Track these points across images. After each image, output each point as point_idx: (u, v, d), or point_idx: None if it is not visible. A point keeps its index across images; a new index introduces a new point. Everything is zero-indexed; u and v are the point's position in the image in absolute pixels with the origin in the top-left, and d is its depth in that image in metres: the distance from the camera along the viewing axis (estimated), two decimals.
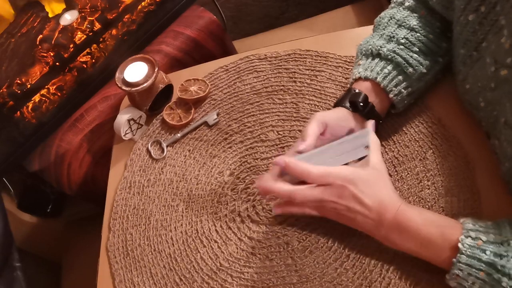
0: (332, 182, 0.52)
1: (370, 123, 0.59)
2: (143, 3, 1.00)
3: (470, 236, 0.47)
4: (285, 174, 0.57)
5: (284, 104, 0.76)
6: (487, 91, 0.54)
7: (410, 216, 0.51)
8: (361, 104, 0.61)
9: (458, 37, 0.58)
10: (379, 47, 0.63)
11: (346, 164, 0.56)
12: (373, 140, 0.56)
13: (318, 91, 0.75)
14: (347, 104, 0.62)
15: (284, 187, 0.55)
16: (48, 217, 1.21)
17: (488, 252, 0.46)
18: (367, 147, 0.55)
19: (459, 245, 0.47)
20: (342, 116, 0.61)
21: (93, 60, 0.97)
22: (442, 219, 0.51)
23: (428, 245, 0.50)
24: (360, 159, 0.56)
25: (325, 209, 0.54)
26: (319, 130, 0.59)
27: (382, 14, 0.67)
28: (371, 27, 0.70)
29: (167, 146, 0.78)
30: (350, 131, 0.61)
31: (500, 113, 0.52)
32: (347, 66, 0.76)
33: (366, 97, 0.61)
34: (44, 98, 0.94)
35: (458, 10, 0.56)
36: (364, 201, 0.51)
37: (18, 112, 0.93)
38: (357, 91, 0.62)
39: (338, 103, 0.63)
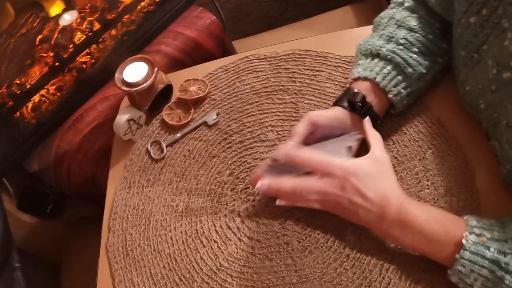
0: (333, 172, 0.52)
1: (366, 120, 0.59)
2: (142, 4, 1.00)
3: (474, 233, 0.47)
4: (276, 168, 0.58)
5: (284, 104, 0.76)
6: (487, 94, 0.54)
7: (413, 212, 0.50)
8: (359, 103, 0.61)
9: (459, 39, 0.58)
10: (378, 47, 0.63)
11: None
12: (372, 133, 0.56)
13: (318, 91, 0.75)
14: (345, 104, 0.62)
15: (286, 181, 0.54)
16: (48, 218, 1.21)
17: (492, 249, 0.46)
18: (349, 147, 0.56)
19: (463, 241, 0.47)
20: (336, 116, 0.61)
21: (93, 60, 0.97)
22: (446, 215, 0.51)
23: (430, 241, 0.50)
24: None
25: (328, 202, 0.54)
26: (308, 130, 0.59)
27: (382, 14, 0.67)
28: (371, 27, 0.70)
29: (166, 146, 0.78)
30: (342, 134, 0.62)
31: (501, 116, 0.52)
32: (346, 66, 0.76)
33: (364, 97, 0.61)
34: (43, 99, 0.94)
35: (458, 12, 0.56)
36: (367, 194, 0.51)
37: (18, 112, 0.93)
38: (355, 90, 0.62)
39: (336, 103, 0.63)
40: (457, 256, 0.47)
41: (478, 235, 0.47)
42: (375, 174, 0.52)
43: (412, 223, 0.50)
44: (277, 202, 0.57)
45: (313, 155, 0.53)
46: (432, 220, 0.50)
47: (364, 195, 0.51)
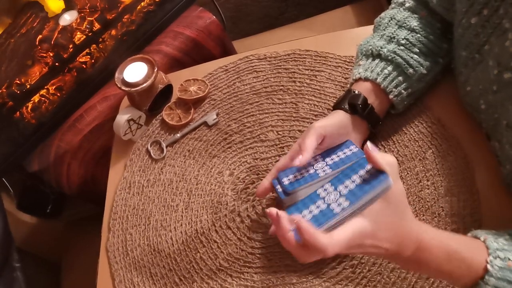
0: (349, 247, 0.45)
1: (370, 146, 0.47)
2: (142, 3, 1.00)
3: (499, 257, 0.45)
4: (281, 201, 0.56)
5: (284, 104, 0.76)
6: (488, 94, 0.54)
7: (431, 252, 0.46)
8: (360, 106, 0.60)
9: (460, 39, 0.58)
10: (379, 48, 0.63)
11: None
12: (387, 161, 0.46)
13: (318, 91, 0.75)
14: (346, 106, 0.62)
15: (302, 250, 0.45)
16: (48, 218, 1.21)
17: None
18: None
19: (489, 267, 0.45)
20: (340, 122, 0.60)
21: (93, 61, 0.97)
22: (465, 245, 0.47)
23: (450, 275, 0.47)
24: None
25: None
26: (317, 143, 0.57)
27: (383, 14, 0.67)
28: (371, 27, 0.70)
29: (166, 146, 0.78)
30: (346, 139, 0.61)
31: (501, 116, 0.52)
32: (346, 66, 0.76)
33: (365, 99, 0.61)
34: (43, 99, 0.94)
35: (460, 12, 0.56)
36: (382, 246, 0.46)
37: (18, 112, 0.93)
38: (356, 92, 0.62)
39: (337, 105, 0.63)
40: (480, 282, 0.45)
41: (503, 259, 0.45)
42: (388, 220, 0.46)
43: (430, 264, 0.47)
44: (270, 232, 0.54)
45: (328, 243, 0.43)
46: (452, 257, 0.46)
47: (380, 247, 0.46)
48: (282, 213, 0.45)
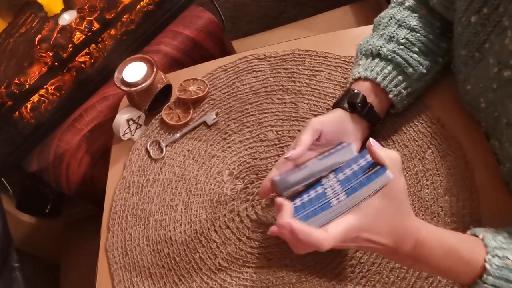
0: (345, 240, 0.46)
1: (372, 142, 0.47)
2: (142, 3, 1.00)
3: (497, 256, 0.45)
4: (280, 190, 0.55)
5: (283, 104, 0.76)
6: (489, 92, 0.54)
7: (429, 248, 0.46)
8: (359, 104, 0.60)
9: (459, 38, 0.58)
10: (379, 47, 0.63)
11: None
12: (389, 156, 0.46)
13: (317, 91, 0.75)
14: (346, 105, 0.62)
15: (298, 232, 0.45)
16: (47, 218, 1.21)
17: None
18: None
19: (487, 265, 0.44)
20: (338, 121, 0.60)
21: (92, 60, 0.97)
22: (463, 242, 0.47)
23: (448, 272, 0.47)
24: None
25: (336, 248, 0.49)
26: (313, 138, 0.57)
27: (382, 14, 0.67)
28: (370, 27, 0.70)
29: (166, 146, 0.78)
30: (344, 136, 0.60)
31: (502, 114, 0.52)
32: (346, 66, 0.76)
33: (364, 98, 0.61)
34: (42, 98, 0.94)
35: (459, 11, 0.56)
36: (379, 241, 0.46)
37: (17, 112, 0.93)
38: (355, 91, 0.62)
39: (337, 104, 0.63)
40: (478, 280, 0.45)
41: (501, 258, 0.44)
42: (388, 216, 0.46)
43: (428, 260, 0.47)
44: (269, 232, 0.50)
45: (321, 238, 0.44)
46: (450, 254, 0.46)
47: (377, 242, 0.46)
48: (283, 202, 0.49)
